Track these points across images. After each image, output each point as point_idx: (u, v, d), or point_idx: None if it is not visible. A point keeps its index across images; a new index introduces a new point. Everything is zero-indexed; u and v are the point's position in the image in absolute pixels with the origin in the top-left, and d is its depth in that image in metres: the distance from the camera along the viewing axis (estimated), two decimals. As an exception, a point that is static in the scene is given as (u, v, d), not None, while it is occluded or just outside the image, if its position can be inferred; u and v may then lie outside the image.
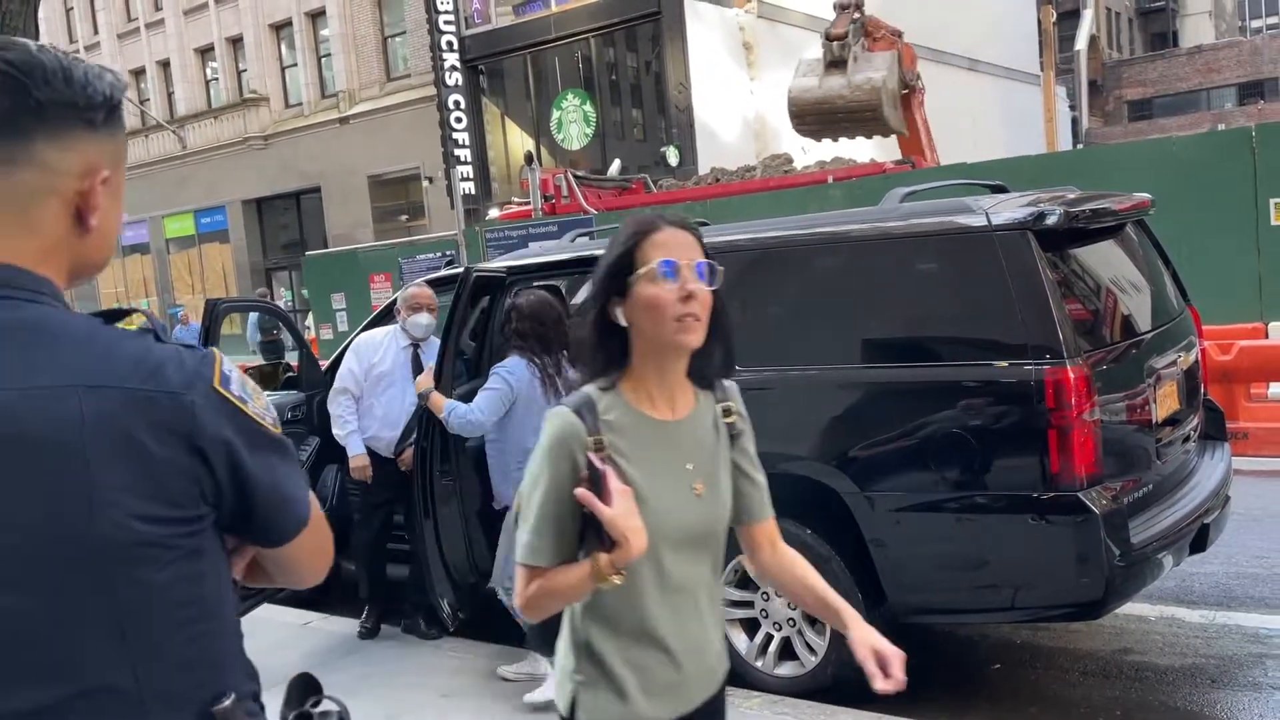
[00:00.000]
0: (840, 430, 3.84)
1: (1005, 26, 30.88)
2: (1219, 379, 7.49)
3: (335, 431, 4.76)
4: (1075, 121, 40.76)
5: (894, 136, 14.95)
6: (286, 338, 18.12)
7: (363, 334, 4.98)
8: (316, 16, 26.81)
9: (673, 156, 19.81)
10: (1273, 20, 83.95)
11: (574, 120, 22.04)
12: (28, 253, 1.11)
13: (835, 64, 13.82)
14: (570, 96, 22.07)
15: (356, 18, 25.81)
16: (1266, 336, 8.58)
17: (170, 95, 30.70)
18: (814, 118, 14.19)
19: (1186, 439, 4.10)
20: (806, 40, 22.44)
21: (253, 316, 15.68)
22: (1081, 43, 42.24)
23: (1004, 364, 3.51)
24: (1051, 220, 3.59)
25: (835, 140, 14.60)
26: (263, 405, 1.18)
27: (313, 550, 1.28)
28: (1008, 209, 3.65)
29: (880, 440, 3.75)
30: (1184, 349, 4.13)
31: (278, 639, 4.77)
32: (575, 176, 15.32)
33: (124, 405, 1.06)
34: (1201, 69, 43.45)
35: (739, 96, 21.65)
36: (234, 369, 1.17)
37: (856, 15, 13.98)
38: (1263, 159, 9.09)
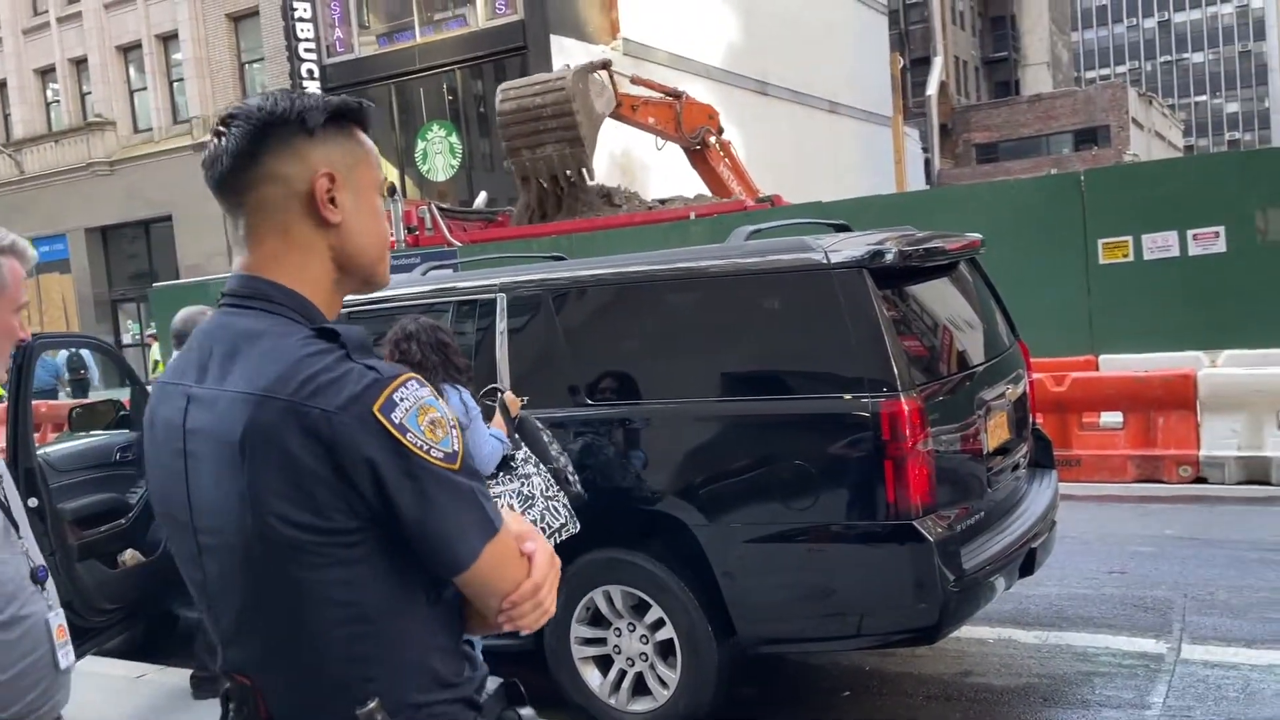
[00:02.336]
0: (687, 463, 3.88)
1: (863, 72, 32.22)
2: (1053, 409, 7.91)
3: None
4: (928, 162, 42.76)
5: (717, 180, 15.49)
6: (93, 375, 17.32)
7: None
8: (168, 40, 25.86)
9: None
10: (1105, 72, 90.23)
11: (439, 151, 21.83)
12: (288, 258, 1.30)
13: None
14: (435, 128, 21.88)
15: (211, 42, 25.01)
16: (1097, 369, 9.10)
17: (6, 117, 29.04)
18: (516, 127, 14.42)
19: (1016, 467, 4.29)
20: (672, 79, 22.92)
21: (50, 356, 14.75)
22: (932, 89, 44.45)
23: (841, 397, 3.61)
24: (886, 259, 3.72)
25: (541, 172, 14.55)
26: (435, 439, 1.21)
27: (501, 592, 1.28)
28: (845, 248, 3.77)
29: (726, 473, 3.80)
30: (1013, 381, 4.33)
31: (108, 691, 4.48)
32: (439, 209, 15.16)
33: (282, 416, 1.17)
34: (1041, 116, 46.23)
35: (605, 131, 21.84)
36: (411, 398, 1.21)
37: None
38: (1090, 202, 9.70)
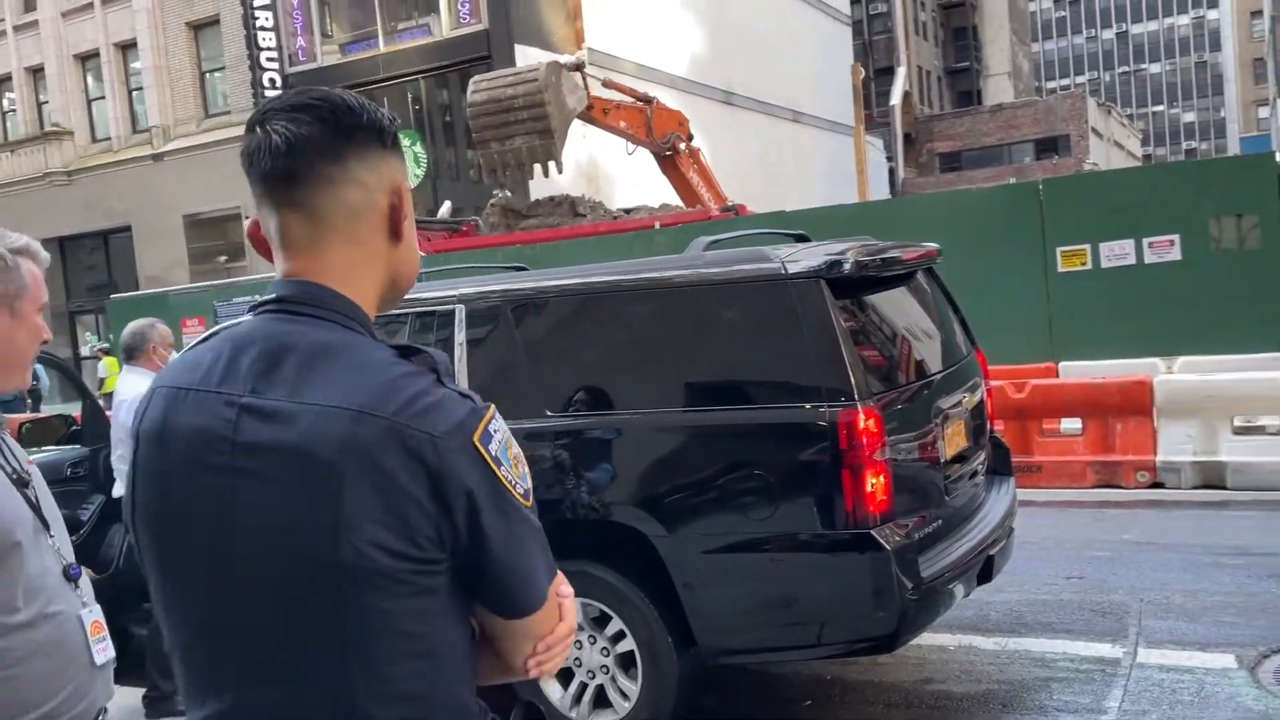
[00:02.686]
0: (646, 474, 3.87)
1: (827, 82, 32.44)
2: (1014, 416, 7.99)
3: (118, 489, 4.44)
4: (892, 172, 43.15)
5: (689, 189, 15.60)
6: (44, 387, 17.03)
7: (127, 385, 4.54)
8: (126, 49, 25.57)
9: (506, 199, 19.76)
10: (1065, 82, 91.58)
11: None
12: (357, 270, 1.23)
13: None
14: (400, 137, 21.76)
15: (171, 51, 24.75)
16: (1058, 376, 9.21)
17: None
18: (487, 118, 14.38)
19: (974, 475, 4.32)
20: (638, 88, 22.99)
21: None
22: (896, 99, 44.89)
23: (799, 406, 3.62)
24: (843, 269, 3.74)
25: (510, 164, 14.51)
26: (518, 474, 1.19)
27: (553, 640, 1.26)
28: (803, 258, 3.79)
29: (685, 483, 3.80)
30: (970, 389, 4.37)
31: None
32: (403, 219, 15.04)
33: (384, 436, 1.11)
34: (1003, 125, 46.80)
35: (571, 140, 21.86)
36: (503, 430, 1.19)
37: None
38: (1049, 211, 9.82)
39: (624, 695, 3.95)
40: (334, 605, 1.12)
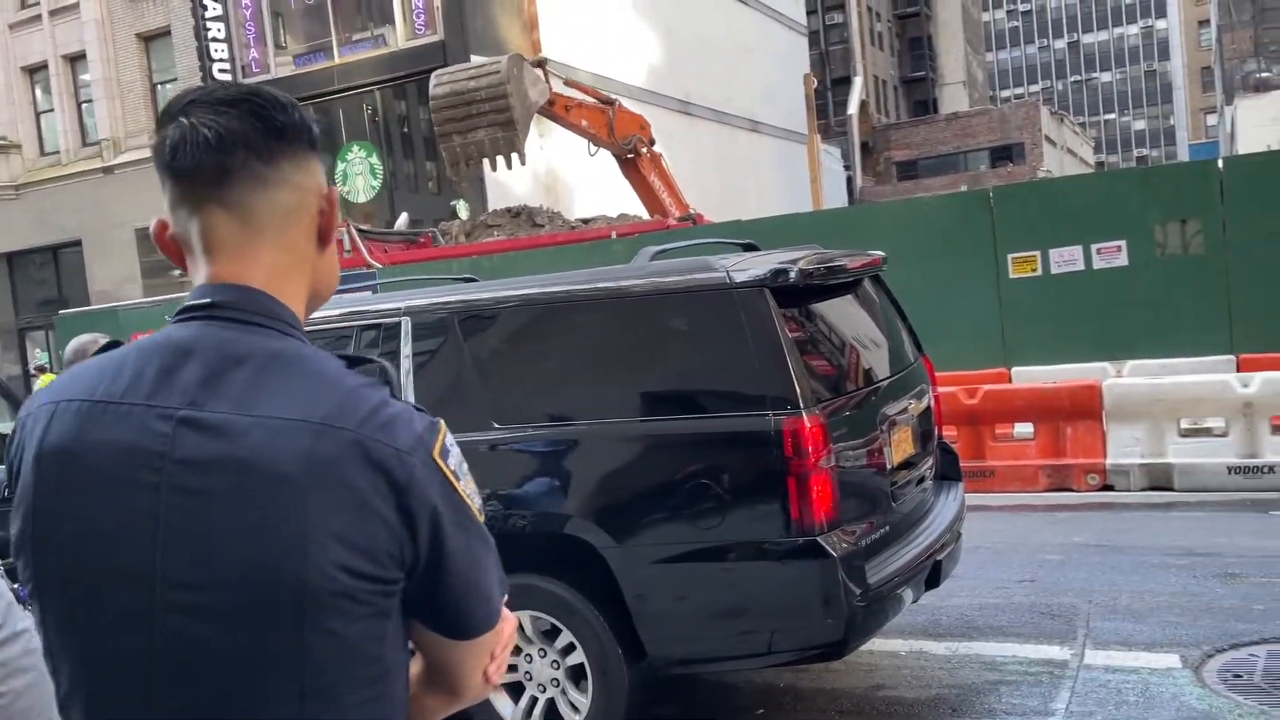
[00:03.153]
0: (594, 485, 3.85)
1: (783, 91, 32.68)
2: (967, 421, 8.08)
3: None
4: (850, 180, 43.54)
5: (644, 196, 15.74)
6: None
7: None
8: (75, 60, 25.17)
9: (463, 210, 19.70)
10: (1019, 91, 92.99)
11: (360, 172, 21.58)
12: (289, 276, 1.16)
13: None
14: (355, 148, 21.63)
15: (121, 63, 24.41)
16: (1010, 381, 9.32)
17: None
18: (449, 111, 14.31)
19: (921, 480, 4.35)
20: (595, 98, 23.03)
21: None
22: (853, 108, 45.35)
23: (745, 415, 3.63)
24: (788, 278, 3.76)
25: (473, 156, 14.52)
26: (473, 488, 1.16)
27: (488, 659, 1.22)
28: (748, 267, 3.80)
29: (632, 494, 3.79)
30: (916, 396, 4.40)
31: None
32: (359, 230, 14.96)
33: (349, 450, 1.05)
34: (959, 133, 47.45)
35: (529, 151, 21.84)
36: (455, 444, 1.15)
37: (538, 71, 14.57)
38: (1000, 218, 9.95)
39: (574, 708, 3.93)
40: (295, 633, 1.04)
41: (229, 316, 1.12)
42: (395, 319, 4.31)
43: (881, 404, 4.06)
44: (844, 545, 3.59)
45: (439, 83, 14.61)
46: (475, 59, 19.43)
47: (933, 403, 4.69)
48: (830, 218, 12.46)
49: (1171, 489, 7.39)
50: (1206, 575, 5.44)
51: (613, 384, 3.92)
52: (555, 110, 14.86)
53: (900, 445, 4.14)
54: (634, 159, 15.63)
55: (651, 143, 16.01)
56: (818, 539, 3.52)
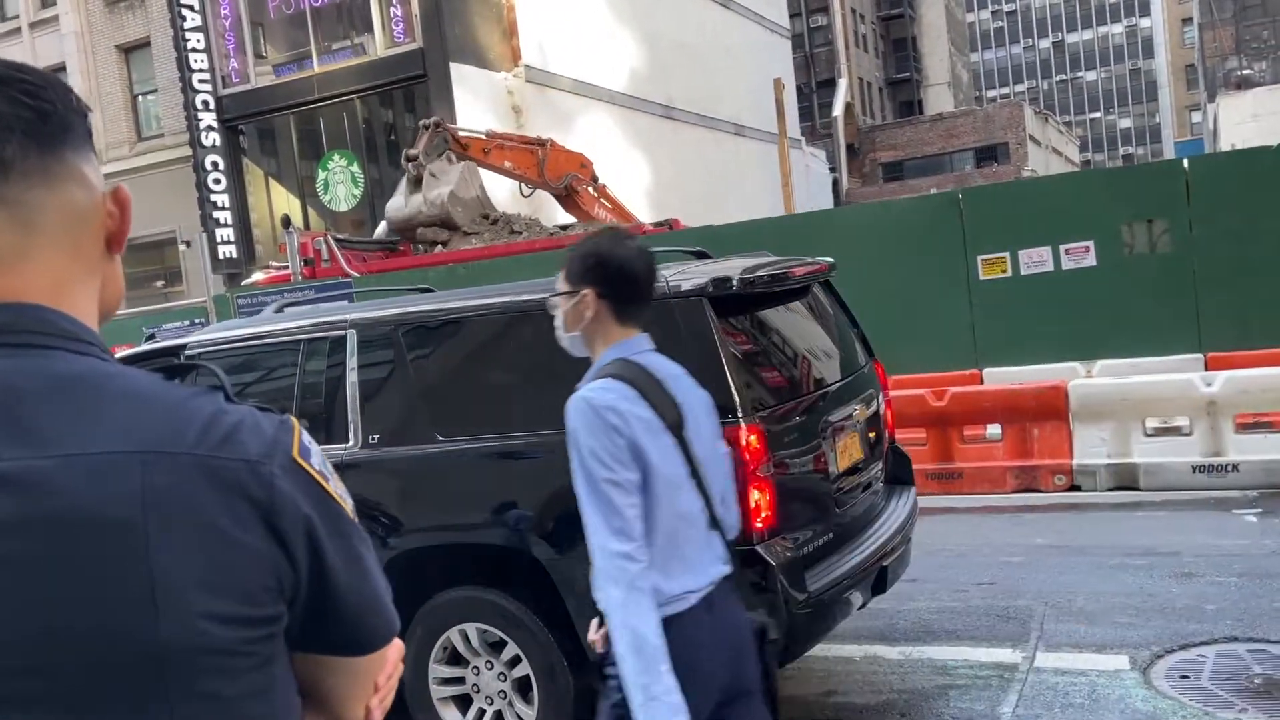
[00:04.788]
0: (534, 496, 3.85)
1: (767, 94, 32.72)
2: (935, 423, 8.10)
3: None
4: (836, 182, 43.64)
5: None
6: None
7: None
8: (55, 72, 24.97)
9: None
10: (1004, 91, 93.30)
11: (341, 181, 21.57)
12: (79, 286, 0.97)
13: (417, 181, 14.96)
14: (336, 157, 21.62)
15: (100, 74, 24.37)
16: (982, 382, 9.35)
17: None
18: (409, 232, 15.29)
19: (869, 486, 4.36)
20: (576, 104, 23.06)
21: None
22: (838, 110, 45.49)
23: (684, 425, 3.63)
24: (727, 286, 3.77)
25: (431, 243, 15.46)
26: (342, 488, 1.00)
27: (391, 670, 1.09)
28: (687, 276, 3.81)
29: (573, 504, 3.77)
30: (864, 401, 4.41)
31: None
32: (336, 239, 14.96)
33: (193, 476, 0.89)
34: (944, 134, 47.63)
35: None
36: (312, 440, 1.00)
37: (439, 132, 15.02)
38: (969, 220, 9.98)
39: (521, 720, 3.93)
40: (161, 707, 0.87)
41: (5, 342, 0.91)
42: (341, 332, 4.31)
43: (825, 410, 4.07)
44: (784, 553, 3.59)
45: (396, 208, 15.37)
46: (456, 77, 19.61)
47: (883, 408, 4.71)
48: (801, 221, 12.47)
49: (1138, 489, 7.42)
50: (1163, 575, 5.47)
51: (553, 394, 3.91)
52: (470, 154, 15.18)
53: (846, 451, 4.15)
54: (570, 196, 16.00)
55: (594, 180, 16.27)
56: (756, 548, 3.53)
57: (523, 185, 16.10)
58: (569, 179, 15.83)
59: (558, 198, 16.34)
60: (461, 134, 15.30)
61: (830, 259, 4.64)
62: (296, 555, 0.93)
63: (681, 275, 3.84)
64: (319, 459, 0.99)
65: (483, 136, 15.57)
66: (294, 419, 1.00)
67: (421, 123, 15.36)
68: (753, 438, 3.56)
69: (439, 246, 15.07)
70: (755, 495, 3.54)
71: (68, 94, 0.99)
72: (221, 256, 21.94)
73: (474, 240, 15.46)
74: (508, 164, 15.56)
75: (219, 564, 0.89)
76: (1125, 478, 7.49)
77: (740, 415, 3.57)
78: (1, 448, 0.87)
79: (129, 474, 0.87)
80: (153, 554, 0.86)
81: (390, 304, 4.41)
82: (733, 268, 4.01)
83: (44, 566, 0.85)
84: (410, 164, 14.85)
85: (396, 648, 1.10)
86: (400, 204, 15.21)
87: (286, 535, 0.93)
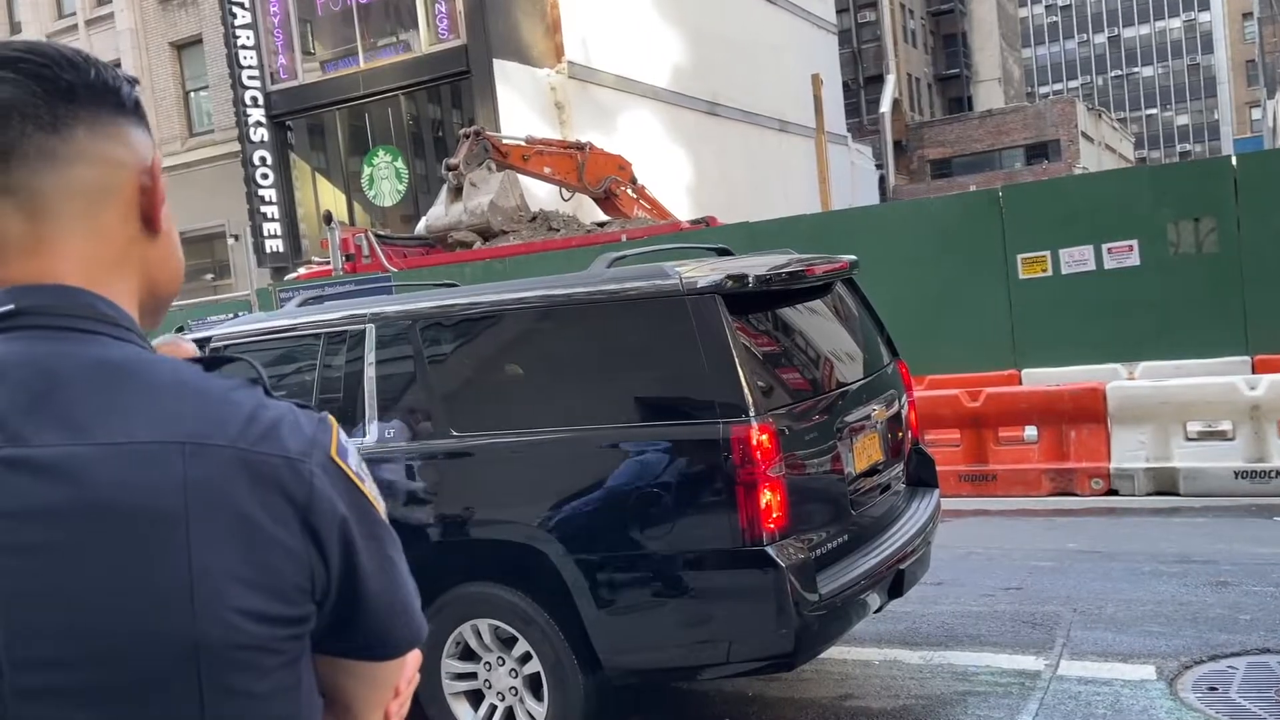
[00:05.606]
0: (547, 493, 3.84)
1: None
2: (969, 424, 7.97)
3: None
4: (883, 179, 43.20)
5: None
6: None
7: None
8: (111, 68, 25.66)
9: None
10: (1058, 87, 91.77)
11: (385, 177, 21.77)
12: (112, 270, 0.94)
13: (457, 190, 15.04)
14: (381, 153, 21.81)
15: (155, 71, 24.83)
16: (1020, 383, 9.19)
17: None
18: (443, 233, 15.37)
19: (888, 487, 4.29)
20: (619, 100, 23.05)
21: None
22: (886, 106, 45.00)
23: (695, 423, 3.61)
24: (741, 285, 3.73)
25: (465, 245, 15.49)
26: (376, 488, 0.99)
27: (410, 675, 1.07)
28: (701, 274, 3.77)
29: (585, 502, 3.77)
30: (885, 402, 4.34)
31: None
32: (377, 236, 15.12)
33: (233, 470, 0.87)
34: (993, 131, 46.91)
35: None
36: (349, 440, 0.98)
37: (479, 142, 15.06)
38: (1009, 218, 9.81)
39: (531, 718, 3.93)
40: (192, 703, 0.85)
41: (42, 324, 0.89)
42: (360, 326, 4.34)
43: (843, 411, 4.02)
44: (795, 554, 3.55)
45: (436, 216, 15.46)
46: (500, 74, 19.68)
47: (906, 409, 4.63)
48: (838, 219, 12.34)
49: (1177, 494, 7.24)
50: (1198, 583, 5.32)
51: (567, 391, 3.91)
52: (510, 161, 15.19)
53: (864, 452, 4.09)
54: (610, 199, 16.03)
55: (633, 181, 16.24)
56: (766, 549, 3.49)
57: (563, 189, 16.16)
58: (607, 182, 15.86)
59: (596, 201, 16.37)
60: (503, 141, 15.37)
61: (852, 257, 4.58)
62: (330, 556, 0.92)
63: (694, 272, 3.81)
64: (356, 459, 0.97)
65: (522, 143, 15.62)
66: (332, 418, 0.98)
67: (461, 131, 15.61)
68: (764, 437, 3.51)
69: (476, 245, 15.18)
70: (766, 495, 3.50)
71: (87, 67, 0.94)
72: (268, 251, 22.28)
73: (511, 238, 15.54)
74: (547, 169, 15.63)
75: (255, 560, 0.87)
76: (1164, 482, 7.32)
77: (751, 414, 3.53)
78: (41, 433, 0.85)
79: (170, 464, 0.86)
80: (193, 546, 0.85)
81: (409, 299, 4.42)
82: (750, 265, 3.98)
83: (82, 555, 0.83)
84: (451, 173, 14.96)
85: (416, 654, 1.07)
86: (440, 212, 15.35)
87: (322, 535, 0.91)
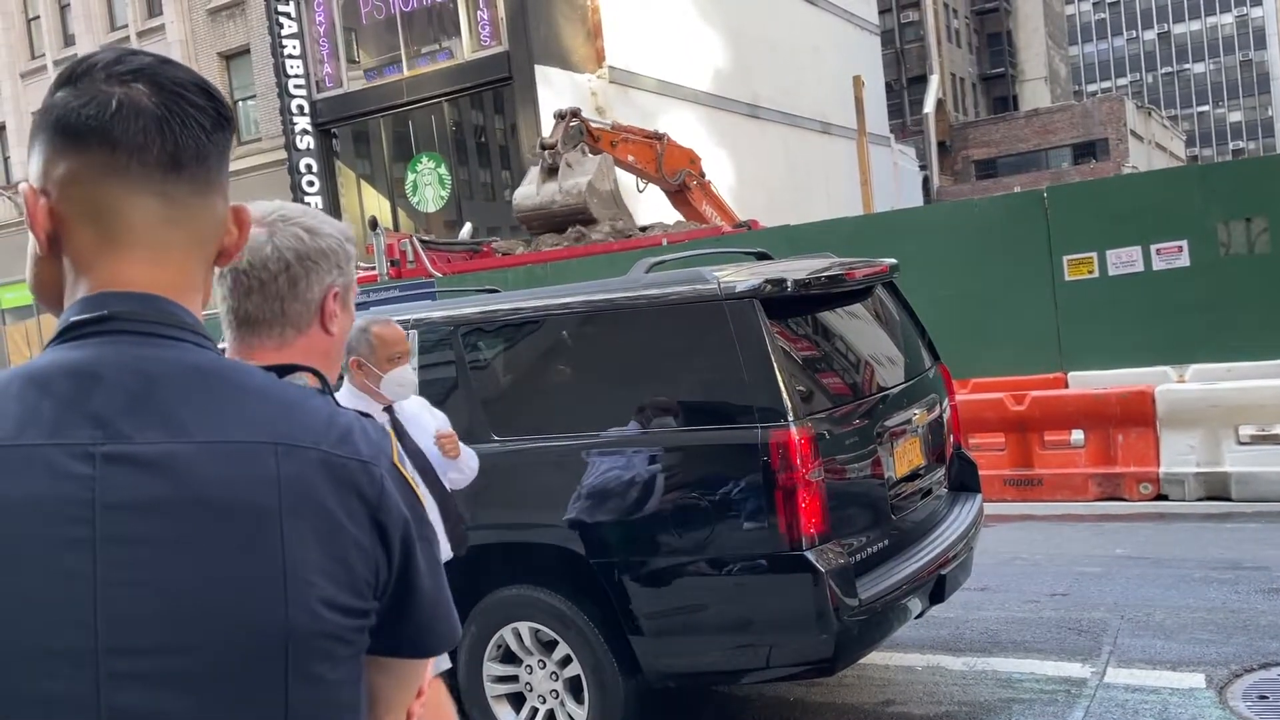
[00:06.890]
0: (586, 497, 3.86)
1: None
2: (1014, 428, 7.88)
3: None
4: (927, 180, 42.80)
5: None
6: None
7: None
8: (161, 80, 26.15)
9: (466, 231, 19.90)
10: (1106, 85, 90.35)
11: (429, 183, 21.98)
12: (194, 290, 1.01)
13: (551, 170, 14.62)
14: (425, 159, 22.04)
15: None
16: (1067, 386, 9.06)
17: (6, 159, 29.41)
18: (538, 221, 14.96)
19: (929, 492, 4.26)
20: (660, 104, 23.08)
21: None
22: (929, 106, 44.58)
23: (734, 427, 3.61)
24: (780, 289, 3.73)
25: (561, 234, 15.15)
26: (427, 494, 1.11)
27: (429, 675, 1.15)
28: (739, 278, 3.78)
29: (623, 506, 3.78)
30: (926, 406, 4.31)
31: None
32: (422, 241, 15.23)
33: (319, 470, 0.94)
34: (1039, 130, 46.27)
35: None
36: (403, 449, 1.06)
37: (574, 123, 14.71)
38: (1054, 219, 9.67)
39: None
40: (276, 689, 0.90)
41: (134, 330, 0.94)
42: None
43: (883, 415, 4.00)
44: (834, 559, 3.54)
45: (525, 195, 15.04)
46: (541, 80, 19.75)
47: (948, 413, 4.60)
48: (879, 221, 12.23)
49: (1229, 499, 7.10)
50: (1250, 590, 5.22)
51: (606, 396, 3.94)
52: (601, 145, 15.05)
53: (905, 456, 4.07)
54: (682, 192, 15.78)
55: (702, 175, 16.10)
56: (805, 553, 3.49)
57: (639, 180, 16.02)
58: (683, 175, 15.69)
59: (668, 194, 16.22)
60: (593, 125, 15.10)
61: (893, 260, 4.55)
62: (393, 554, 0.98)
63: (732, 277, 3.82)
64: (411, 467, 1.05)
65: (609, 128, 15.52)
66: (390, 428, 1.04)
67: (556, 111, 15.12)
68: (802, 441, 3.51)
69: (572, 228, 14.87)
70: (805, 500, 3.50)
71: (227, 105, 1.02)
72: (314, 256, 22.56)
73: (603, 225, 15.58)
74: (630, 158, 15.45)
75: (334, 554, 0.93)
76: (1216, 487, 7.18)
77: (790, 418, 3.53)
78: (141, 431, 0.90)
79: (265, 462, 0.91)
80: (285, 540, 0.90)
81: (450, 305, 4.47)
82: (788, 269, 3.98)
83: (184, 547, 0.88)
84: (546, 152, 14.57)
85: (433, 661, 1.13)
86: (530, 192, 14.91)
87: (389, 534, 0.97)
